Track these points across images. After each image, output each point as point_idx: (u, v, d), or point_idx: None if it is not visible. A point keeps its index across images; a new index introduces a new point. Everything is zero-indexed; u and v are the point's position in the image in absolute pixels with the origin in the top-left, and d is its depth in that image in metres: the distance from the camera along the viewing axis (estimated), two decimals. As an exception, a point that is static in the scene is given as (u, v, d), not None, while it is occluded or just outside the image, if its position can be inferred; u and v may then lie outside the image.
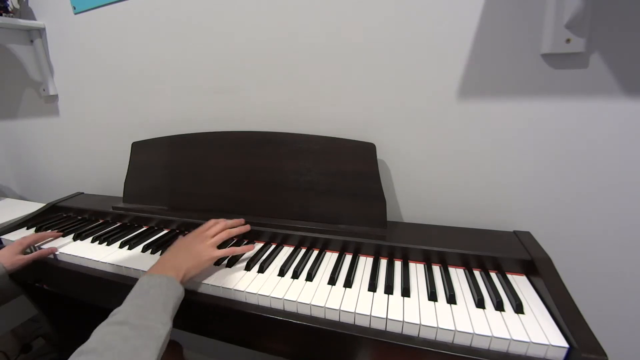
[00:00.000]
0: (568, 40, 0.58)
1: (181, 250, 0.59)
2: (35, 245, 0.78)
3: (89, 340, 0.41)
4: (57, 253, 0.75)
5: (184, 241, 0.62)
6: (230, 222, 0.69)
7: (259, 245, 0.73)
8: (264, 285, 0.58)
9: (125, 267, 0.67)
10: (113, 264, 0.69)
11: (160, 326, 0.44)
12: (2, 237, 0.87)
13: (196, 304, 0.59)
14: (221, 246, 0.64)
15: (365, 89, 0.75)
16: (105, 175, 1.16)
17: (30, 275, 0.81)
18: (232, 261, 0.66)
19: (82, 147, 1.18)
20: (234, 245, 0.72)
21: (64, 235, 0.84)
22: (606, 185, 0.64)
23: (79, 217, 0.98)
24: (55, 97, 1.15)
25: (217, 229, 0.66)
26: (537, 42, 0.61)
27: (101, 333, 0.41)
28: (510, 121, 0.66)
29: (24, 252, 0.75)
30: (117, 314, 0.44)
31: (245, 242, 0.74)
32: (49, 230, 0.84)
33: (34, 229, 0.90)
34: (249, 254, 0.69)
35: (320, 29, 0.74)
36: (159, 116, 1.00)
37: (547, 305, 0.50)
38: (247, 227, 0.70)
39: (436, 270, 0.61)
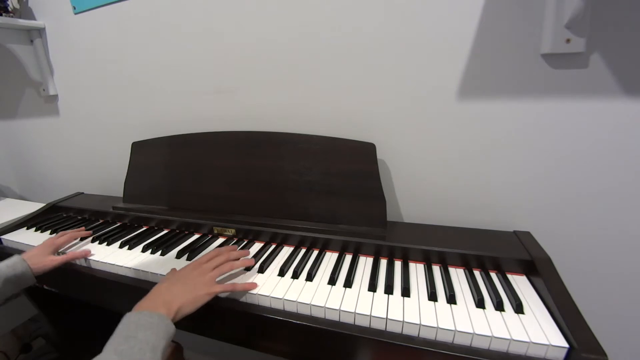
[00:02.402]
0: (568, 40, 0.58)
1: (177, 283, 0.53)
2: (67, 245, 0.77)
3: None
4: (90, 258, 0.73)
5: (181, 272, 0.56)
6: (234, 253, 0.63)
7: (258, 245, 0.74)
8: (264, 285, 0.58)
9: (125, 267, 0.68)
10: (113, 264, 0.69)
11: None
12: (2, 237, 0.87)
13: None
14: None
15: (366, 89, 0.75)
16: (105, 175, 1.16)
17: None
18: (232, 261, 0.66)
19: (82, 147, 1.18)
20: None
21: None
22: (606, 185, 0.64)
23: (79, 217, 0.98)
24: (55, 97, 1.15)
25: (219, 260, 0.59)
26: (537, 42, 0.61)
27: None
28: (510, 121, 0.66)
29: (56, 254, 0.73)
30: None
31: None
32: (80, 230, 0.82)
33: (33, 228, 0.90)
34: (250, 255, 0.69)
35: (320, 29, 0.74)
36: (158, 116, 1.00)
37: (547, 305, 0.50)
38: (252, 262, 0.64)
39: (436, 270, 0.61)
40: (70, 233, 0.78)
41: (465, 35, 0.65)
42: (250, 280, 0.59)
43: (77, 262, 0.74)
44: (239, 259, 0.63)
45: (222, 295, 0.58)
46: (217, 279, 0.57)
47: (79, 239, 0.81)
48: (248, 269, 0.63)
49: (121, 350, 0.40)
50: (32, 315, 1.18)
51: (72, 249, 0.78)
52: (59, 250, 0.75)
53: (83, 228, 0.85)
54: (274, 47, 0.80)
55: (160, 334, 0.43)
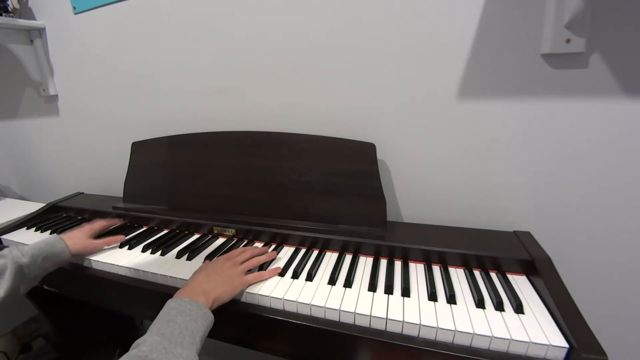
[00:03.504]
0: (568, 40, 0.58)
1: (213, 274, 0.56)
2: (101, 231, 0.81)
3: None
4: None
5: (214, 265, 0.59)
6: (257, 249, 0.68)
7: (258, 245, 0.73)
8: (264, 285, 0.58)
9: (125, 267, 0.68)
10: (113, 264, 0.69)
11: None
12: (2, 237, 0.87)
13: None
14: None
15: (366, 89, 0.75)
16: (105, 175, 1.16)
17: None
18: (232, 261, 0.66)
19: (82, 147, 1.18)
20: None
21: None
22: (606, 185, 0.64)
23: (79, 217, 0.98)
24: (55, 97, 1.15)
25: (247, 255, 0.64)
26: (537, 42, 0.61)
27: None
28: (510, 121, 0.66)
29: (94, 238, 0.76)
30: (140, 345, 0.41)
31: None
32: (114, 220, 0.88)
33: (33, 228, 0.90)
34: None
35: (320, 29, 0.74)
36: (158, 116, 1.00)
37: (547, 305, 0.50)
38: (274, 254, 0.68)
39: (436, 270, 0.61)
40: (106, 221, 0.83)
41: (465, 35, 0.65)
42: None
43: (78, 262, 0.74)
44: (262, 254, 0.66)
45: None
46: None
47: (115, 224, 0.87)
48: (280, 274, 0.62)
49: (163, 332, 0.43)
50: (32, 315, 1.17)
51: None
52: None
53: (120, 221, 0.89)
54: (274, 47, 0.80)
55: (199, 321, 0.46)
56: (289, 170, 0.74)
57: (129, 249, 0.75)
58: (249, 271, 0.61)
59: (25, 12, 1.07)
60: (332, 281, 0.58)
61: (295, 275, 0.60)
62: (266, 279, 0.60)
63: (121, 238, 0.78)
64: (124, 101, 1.03)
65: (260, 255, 0.66)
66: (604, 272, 0.68)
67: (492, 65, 0.65)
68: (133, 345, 0.42)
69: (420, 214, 0.78)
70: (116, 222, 0.87)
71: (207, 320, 0.48)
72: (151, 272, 0.64)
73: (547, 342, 0.43)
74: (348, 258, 0.66)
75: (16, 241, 0.84)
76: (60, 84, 1.13)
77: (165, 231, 0.84)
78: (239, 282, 0.56)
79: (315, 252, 0.69)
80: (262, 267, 0.64)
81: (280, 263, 0.65)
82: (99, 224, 0.80)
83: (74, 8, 0.99)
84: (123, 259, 0.70)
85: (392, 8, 0.68)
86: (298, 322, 0.52)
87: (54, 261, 0.67)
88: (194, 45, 0.88)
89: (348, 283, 0.57)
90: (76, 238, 0.72)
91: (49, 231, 0.88)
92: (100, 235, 0.80)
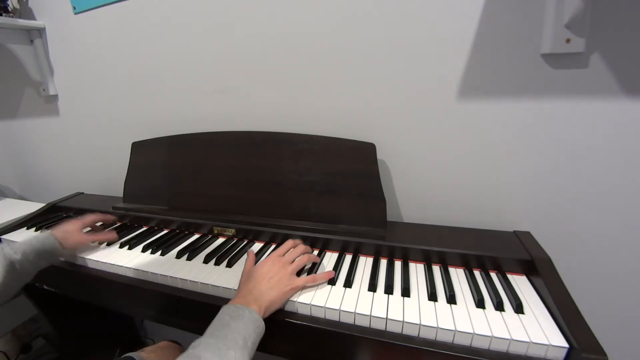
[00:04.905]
0: (568, 40, 0.58)
1: (262, 281, 0.54)
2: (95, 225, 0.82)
3: None
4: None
5: (262, 268, 0.56)
6: (307, 247, 0.65)
7: (259, 245, 0.74)
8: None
9: (125, 267, 0.68)
10: (113, 264, 0.69)
11: None
12: (2, 237, 0.87)
13: (196, 304, 0.59)
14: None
15: (366, 88, 0.75)
16: (105, 175, 1.16)
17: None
18: (232, 262, 0.66)
19: (82, 147, 1.18)
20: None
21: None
22: (606, 185, 0.64)
23: (79, 218, 0.97)
24: (55, 97, 1.15)
25: (297, 252, 0.61)
26: (537, 42, 0.61)
27: None
28: (510, 121, 0.66)
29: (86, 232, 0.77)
30: (195, 347, 0.42)
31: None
32: (106, 215, 0.87)
33: (34, 228, 0.90)
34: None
35: (320, 29, 0.74)
36: (159, 116, 1.00)
37: (547, 305, 0.50)
38: (318, 258, 0.65)
39: (436, 270, 0.61)
40: (97, 214, 0.84)
41: (465, 35, 0.65)
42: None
43: (77, 262, 0.74)
44: (308, 252, 0.64)
45: (222, 295, 0.57)
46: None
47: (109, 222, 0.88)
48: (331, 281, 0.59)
49: (216, 335, 0.44)
50: (32, 315, 1.17)
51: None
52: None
53: (114, 217, 0.89)
54: (274, 47, 0.80)
55: (250, 327, 0.46)
56: (289, 170, 0.74)
57: (129, 249, 0.75)
58: (299, 273, 0.59)
59: (25, 12, 1.07)
60: (332, 281, 0.58)
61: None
62: (319, 284, 0.58)
63: (114, 235, 0.78)
64: (124, 101, 1.03)
65: (308, 253, 0.63)
66: (604, 272, 0.68)
67: (492, 65, 0.65)
68: (190, 346, 0.43)
69: (420, 214, 0.78)
70: (109, 217, 0.87)
71: (258, 327, 0.47)
72: (151, 272, 0.64)
73: (547, 342, 0.43)
74: (348, 258, 0.66)
75: (16, 241, 0.84)
76: (60, 84, 1.13)
77: (165, 231, 0.84)
78: (289, 287, 0.54)
79: (315, 252, 0.69)
80: (312, 268, 0.62)
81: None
82: (89, 218, 0.80)
83: (74, 8, 0.99)
84: (123, 259, 0.70)
85: (392, 8, 0.68)
86: (298, 322, 0.52)
87: (46, 257, 0.67)
88: (194, 45, 0.88)
89: (348, 283, 0.57)
90: (67, 232, 0.72)
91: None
92: (93, 229, 0.81)
